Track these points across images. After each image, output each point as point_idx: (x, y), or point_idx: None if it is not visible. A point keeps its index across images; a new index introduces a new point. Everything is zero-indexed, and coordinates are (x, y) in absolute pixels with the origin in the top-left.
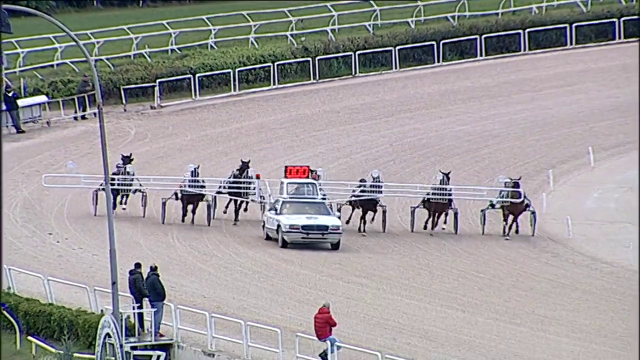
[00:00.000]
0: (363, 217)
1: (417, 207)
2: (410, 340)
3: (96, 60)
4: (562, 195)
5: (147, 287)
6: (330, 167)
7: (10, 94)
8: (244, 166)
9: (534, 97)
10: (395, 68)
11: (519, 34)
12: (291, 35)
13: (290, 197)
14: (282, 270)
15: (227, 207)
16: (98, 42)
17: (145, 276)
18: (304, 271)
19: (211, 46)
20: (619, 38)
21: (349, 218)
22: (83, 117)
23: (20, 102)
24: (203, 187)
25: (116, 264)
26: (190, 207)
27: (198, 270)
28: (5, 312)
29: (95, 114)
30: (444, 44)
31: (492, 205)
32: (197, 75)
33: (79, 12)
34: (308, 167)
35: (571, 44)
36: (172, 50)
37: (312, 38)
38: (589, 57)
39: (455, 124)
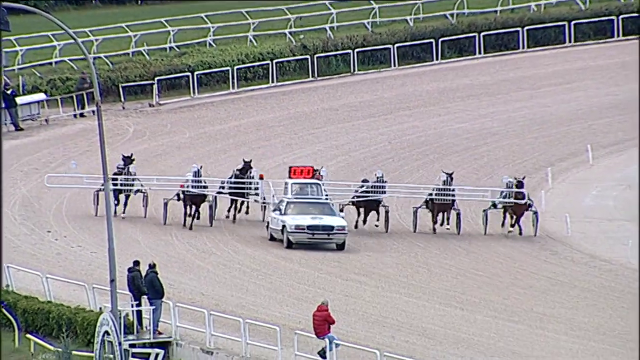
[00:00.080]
0: (365, 218)
1: (420, 207)
2: (409, 338)
3: (95, 58)
4: (560, 193)
5: (146, 285)
6: (329, 165)
7: (8, 92)
8: (246, 166)
9: (533, 94)
10: (394, 66)
11: (518, 31)
12: (290, 33)
13: (295, 198)
14: (280, 268)
15: (229, 210)
16: (96, 40)
17: (144, 274)
18: (303, 269)
19: (210, 44)
20: (618, 36)
21: (357, 222)
22: (81, 115)
23: (19, 100)
24: (206, 187)
25: (115, 262)
26: (192, 207)
27: (197, 268)
28: (4, 310)
29: (93, 111)
30: (442, 41)
31: (494, 205)
32: (196, 73)
33: (78, 10)
34: (312, 167)
35: (570, 41)
36: (171, 48)
37: (311, 36)
38: (587, 54)
39: (454, 121)
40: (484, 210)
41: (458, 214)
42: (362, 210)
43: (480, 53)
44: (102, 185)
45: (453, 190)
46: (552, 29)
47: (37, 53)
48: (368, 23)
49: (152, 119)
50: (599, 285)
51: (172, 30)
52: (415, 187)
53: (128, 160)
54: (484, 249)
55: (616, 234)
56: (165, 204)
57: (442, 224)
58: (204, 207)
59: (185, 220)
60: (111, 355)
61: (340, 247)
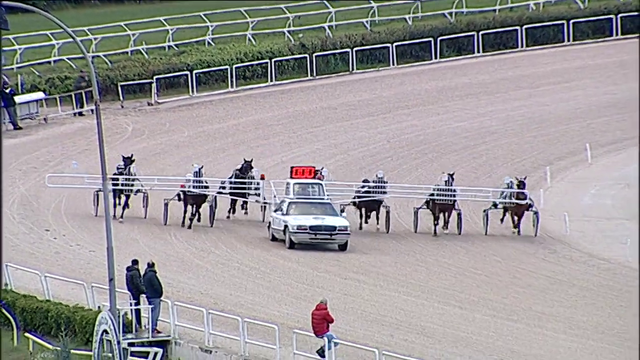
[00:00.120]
0: (367, 218)
1: (421, 207)
2: (408, 337)
3: (93, 57)
4: (559, 191)
5: (145, 284)
6: (327, 164)
7: (7, 91)
8: (247, 165)
9: (532, 93)
10: (393, 64)
11: (517, 30)
12: (288, 31)
13: (297, 198)
14: (279, 267)
15: (229, 211)
16: (95, 39)
17: (142, 273)
18: (302, 268)
19: (208, 43)
20: (617, 34)
21: (360, 224)
22: (80, 114)
23: (18, 99)
24: (207, 187)
25: (113, 261)
26: (192, 208)
27: (195, 266)
28: (2, 309)
29: (92, 110)
30: (441, 40)
31: (495, 205)
32: (195, 71)
33: (76, 9)
34: (314, 167)
35: (569, 40)
36: (170, 46)
37: (310, 35)
38: (586, 53)
39: (453, 120)
40: (485, 211)
41: (459, 214)
42: (363, 210)
43: (479, 52)
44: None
45: (454, 190)
46: (550, 28)
47: (36, 52)
48: (367, 22)
49: (150, 117)
50: (598, 284)
51: (171, 29)
52: (416, 187)
53: (128, 160)
54: (482, 248)
55: (615, 233)
56: (166, 205)
57: (443, 226)
58: (204, 208)
59: (184, 220)
60: (110, 354)
61: (343, 247)
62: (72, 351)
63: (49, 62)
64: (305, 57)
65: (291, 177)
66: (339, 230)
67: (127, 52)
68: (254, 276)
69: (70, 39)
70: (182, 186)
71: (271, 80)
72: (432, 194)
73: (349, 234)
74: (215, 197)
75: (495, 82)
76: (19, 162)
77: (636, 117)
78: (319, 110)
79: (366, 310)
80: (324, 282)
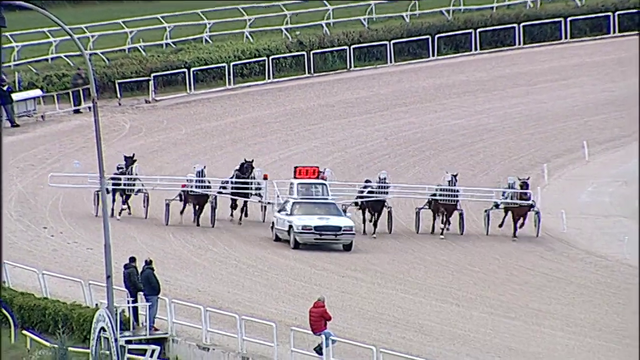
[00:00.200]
0: (371, 219)
1: (422, 208)
2: (405, 334)
3: (91, 54)
4: (556, 189)
5: (142, 281)
6: (325, 161)
7: (4, 88)
8: (248, 165)
9: (529, 91)
10: (390, 62)
11: (514, 27)
12: (286, 29)
13: (301, 198)
14: (276, 264)
15: (232, 211)
16: (93, 36)
17: (140, 270)
18: (299, 265)
19: (206, 40)
20: (614, 32)
21: (364, 227)
22: (77, 111)
23: (15, 96)
24: (210, 187)
25: (111, 258)
26: (196, 207)
27: (193, 264)
28: (0, 307)
29: (89, 108)
30: (438, 38)
31: (496, 206)
32: (192, 69)
33: (74, 6)
34: (317, 167)
35: (566, 37)
36: (167, 44)
37: (307, 32)
38: (584, 51)
39: (450, 118)
40: (486, 211)
41: (461, 215)
42: (366, 211)
43: (476, 49)
44: (106, 181)
45: (457, 191)
46: (548, 25)
47: (33, 49)
48: (364, 19)
49: (148, 115)
50: (595, 282)
51: (168, 27)
52: (420, 187)
53: (130, 160)
54: (480, 246)
55: (612, 230)
56: (167, 205)
57: (445, 225)
58: (206, 208)
59: (181, 216)
60: (107, 352)
61: (347, 247)
62: (70, 349)
63: (47, 60)
64: (303, 55)
65: (295, 177)
66: (344, 230)
67: (124, 50)
68: (251, 274)
69: (68, 37)
70: (184, 186)
71: (269, 78)
72: (435, 194)
73: (354, 234)
74: (216, 197)
75: (493, 80)
76: (17, 159)
77: (633, 114)
78: (316, 107)
79: (364, 308)
80: (322, 279)
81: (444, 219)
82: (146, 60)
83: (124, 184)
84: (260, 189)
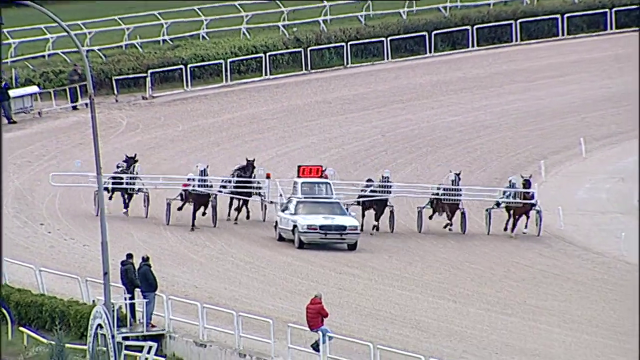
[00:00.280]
0: (376, 218)
1: (424, 207)
2: (402, 331)
3: (88, 51)
4: (554, 185)
5: (139, 278)
6: (322, 158)
7: (1, 85)
8: (250, 164)
9: (526, 87)
10: (387, 59)
11: (511, 24)
12: (283, 25)
13: (305, 197)
14: (274, 261)
15: (235, 216)
16: (89, 33)
17: (137, 267)
18: (296, 262)
19: (203, 37)
20: (611, 28)
21: (362, 225)
22: (74, 108)
23: (12, 93)
24: (212, 187)
25: (108, 255)
26: (193, 207)
27: (190, 261)
28: None
29: (86, 104)
30: (435, 34)
31: (498, 205)
32: (189, 65)
33: (71, 3)
34: (321, 166)
35: (563, 34)
36: (164, 40)
37: (304, 29)
38: (581, 47)
39: (447, 114)
40: (487, 210)
41: (463, 214)
42: (369, 210)
43: (473, 46)
44: (104, 183)
45: (460, 190)
46: (545, 22)
47: (30, 46)
48: (361, 16)
49: (145, 111)
50: (592, 278)
51: (166, 23)
52: (423, 186)
53: (132, 160)
54: (476, 243)
55: (609, 227)
56: (169, 205)
57: (446, 226)
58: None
59: (181, 207)
60: (104, 348)
61: (352, 247)
62: (67, 345)
63: (44, 56)
64: (300, 51)
65: (298, 176)
66: (349, 229)
67: (121, 46)
68: (248, 270)
69: (65, 33)
70: (185, 185)
71: (266, 75)
72: (437, 193)
73: (359, 233)
74: (216, 196)
75: (490, 76)
76: (14, 156)
77: (631, 110)
78: (313, 104)
79: (360, 305)
80: (319, 276)
81: (448, 217)
82: (143, 57)
83: (126, 183)
84: (260, 188)
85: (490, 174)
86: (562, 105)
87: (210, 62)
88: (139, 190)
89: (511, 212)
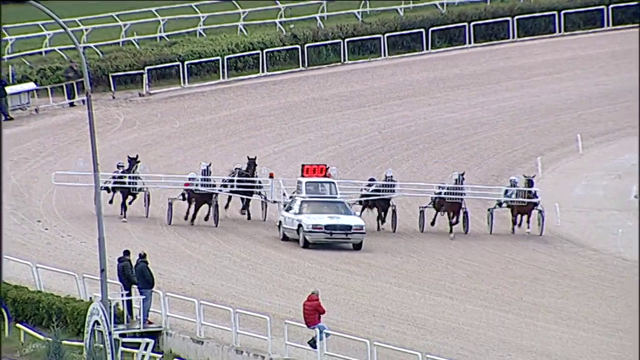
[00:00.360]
0: (379, 217)
1: (427, 206)
2: (399, 328)
3: (84, 48)
4: (550, 182)
5: (136, 275)
6: (319, 155)
7: None
8: (251, 163)
9: (523, 84)
10: (384, 55)
11: (508, 21)
12: (280, 22)
13: (310, 197)
14: (271, 258)
15: (247, 215)
16: (86, 30)
17: (134, 264)
18: (293, 259)
19: (200, 33)
20: (608, 25)
21: (378, 226)
22: (71, 105)
23: (9, 90)
24: (214, 186)
25: (105, 252)
26: (195, 206)
27: (187, 257)
28: None
29: (83, 101)
30: (432, 31)
31: (500, 204)
32: (186, 62)
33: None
34: (325, 165)
35: (560, 31)
36: (161, 37)
37: (301, 25)
38: (577, 44)
39: (444, 111)
40: (489, 210)
41: (465, 214)
42: (373, 209)
43: (470, 43)
44: (105, 182)
45: (463, 190)
46: (542, 19)
47: (27, 42)
48: (358, 13)
49: (142, 108)
50: (589, 275)
51: (162, 20)
52: (426, 185)
53: (134, 161)
54: (473, 239)
55: (606, 224)
56: (170, 204)
57: (452, 225)
58: (207, 207)
59: (187, 217)
60: (101, 345)
61: (357, 247)
62: (64, 342)
63: (40, 53)
64: (297, 48)
65: (302, 176)
66: (354, 229)
67: (118, 43)
68: (245, 267)
69: (62, 30)
70: (187, 185)
71: (263, 71)
72: (440, 193)
73: (364, 233)
74: (216, 195)
75: (487, 73)
76: (10, 152)
77: (628, 107)
78: (310, 101)
79: (357, 302)
80: (316, 273)
81: (452, 218)
82: (140, 54)
83: (128, 183)
84: (261, 187)
85: (486, 171)
86: (559, 102)
87: (207, 59)
88: (140, 189)
89: (514, 211)
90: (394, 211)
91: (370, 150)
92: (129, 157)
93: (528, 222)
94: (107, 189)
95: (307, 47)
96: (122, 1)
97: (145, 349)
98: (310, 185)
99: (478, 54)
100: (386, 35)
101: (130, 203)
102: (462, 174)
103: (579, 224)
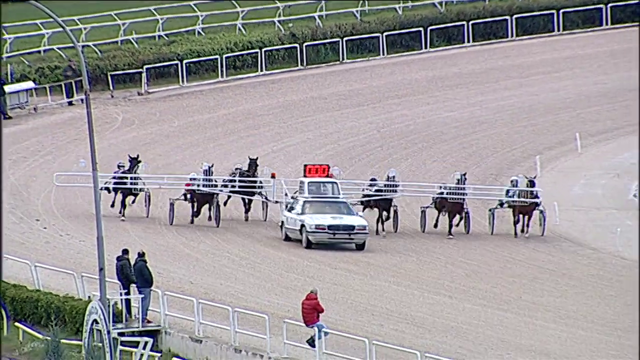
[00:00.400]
0: (380, 218)
1: (428, 207)
2: (398, 327)
3: (83, 47)
4: (549, 181)
5: (135, 274)
6: (317, 154)
7: None
8: (253, 163)
9: (522, 83)
10: (383, 54)
11: (507, 20)
12: (279, 21)
13: (313, 197)
14: (269, 257)
15: (246, 216)
16: (85, 28)
17: (132, 262)
18: (292, 258)
19: (198, 32)
20: (606, 24)
21: (377, 228)
22: (70, 103)
23: (7, 88)
24: (216, 186)
25: (103, 251)
26: (197, 206)
27: (186, 256)
28: None
29: (82, 100)
30: (431, 30)
31: (501, 205)
32: (185, 61)
33: None
34: (328, 165)
35: (558, 30)
36: (160, 36)
37: (300, 24)
38: (576, 43)
39: (443, 110)
40: (491, 210)
41: (467, 214)
42: (374, 210)
43: (469, 41)
44: (106, 183)
45: (465, 190)
46: (540, 18)
47: (26, 41)
48: (357, 11)
49: (140, 107)
50: (587, 274)
51: (161, 19)
52: (429, 185)
53: (135, 161)
54: (473, 239)
55: (605, 223)
56: (172, 204)
57: (452, 226)
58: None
59: (192, 220)
60: (100, 344)
61: (360, 247)
62: (62, 341)
63: (39, 52)
64: (296, 47)
65: (304, 176)
66: (357, 229)
67: (117, 42)
68: (244, 266)
69: (60, 29)
70: (188, 185)
71: (261, 70)
72: (442, 193)
73: (367, 233)
74: (217, 194)
75: (485, 72)
76: (9, 151)
77: (627, 106)
78: (309, 100)
79: (356, 300)
80: (314, 272)
81: (452, 218)
82: (138, 52)
83: (131, 183)
84: (262, 187)
85: (485, 170)
86: (557, 100)
87: (206, 58)
88: (140, 190)
89: (516, 211)
90: (395, 212)
91: (369, 149)
92: (129, 156)
93: (528, 224)
94: (107, 189)
95: (306, 46)
96: (121, 0)
97: (144, 347)
98: (312, 185)
99: (477, 53)
100: (385, 34)
101: (132, 202)
102: (465, 174)
103: (577, 223)
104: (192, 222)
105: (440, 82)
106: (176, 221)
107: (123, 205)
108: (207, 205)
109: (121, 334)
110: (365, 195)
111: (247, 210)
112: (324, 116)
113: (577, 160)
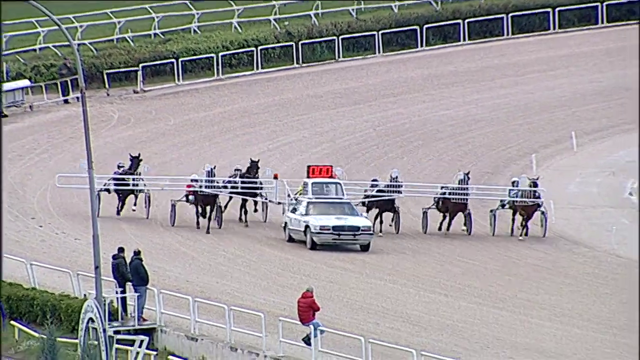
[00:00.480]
0: (380, 218)
1: (430, 207)
2: (394, 325)
3: (79, 45)
4: (544, 179)
5: (131, 272)
6: (313, 152)
7: None
8: (254, 164)
9: (517, 81)
10: (379, 52)
11: (502, 18)
12: (274, 19)
13: (316, 198)
14: (265, 255)
15: (243, 215)
16: (81, 26)
17: (128, 261)
18: (288, 256)
19: (194, 30)
20: (602, 22)
21: (380, 228)
22: (66, 102)
23: (3, 87)
24: (219, 187)
25: (99, 249)
26: (200, 208)
27: (182, 254)
28: None
29: (78, 98)
30: (427, 28)
31: (503, 205)
32: (180, 59)
33: None
34: (331, 166)
35: (554, 28)
36: (155, 34)
37: (295, 22)
38: (572, 41)
39: (439, 108)
40: (492, 211)
41: (469, 214)
42: (378, 211)
43: (464, 40)
44: (105, 184)
45: (468, 190)
46: (536, 16)
47: (21, 39)
48: (353, 10)
49: (136, 105)
50: (583, 272)
51: (157, 17)
52: (431, 185)
53: (136, 160)
54: (469, 238)
55: (600, 221)
56: (173, 206)
57: (449, 225)
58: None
59: (198, 222)
60: (95, 342)
61: (365, 248)
62: (58, 339)
63: (35, 50)
64: (291, 45)
65: (308, 177)
66: (362, 230)
67: (112, 40)
68: (240, 264)
69: (56, 27)
70: (189, 186)
71: (257, 68)
72: (444, 193)
73: (372, 234)
74: (218, 195)
75: (481, 70)
76: (5, 150)
77: (623, 104)
78: (304, 98)
79: (352, 298)
80: (310, 270)
81: (452, 218)
82: (134, 51)
83: (132, 184)
84: (262, 188)
85: (481, 168)
86: (553, 99)
87: (202, 56)
88: (140, 190)
89: (517, 212)
90: (397, 213)
91: (364, 147)
92: (130, 155)
93: (526, 225)
94: (107, 190)
95: (302, 44)
96: None
97: (140, 346)
98: (316, 186)
99: (472, 51)
100: (380, 32)
101: (134, 204)
102: (467, 174)
103: (573, 221)
104: (197, 225)
105: (436, 81)
106: (176, 222)
107: (122, 203)
108: (209, 207)
109: (117, 332)
110: (367, 196)
111: (254, 210)
112: (320, 114)
113: (572, 158)
